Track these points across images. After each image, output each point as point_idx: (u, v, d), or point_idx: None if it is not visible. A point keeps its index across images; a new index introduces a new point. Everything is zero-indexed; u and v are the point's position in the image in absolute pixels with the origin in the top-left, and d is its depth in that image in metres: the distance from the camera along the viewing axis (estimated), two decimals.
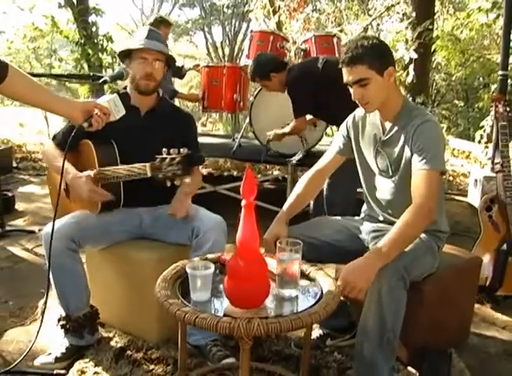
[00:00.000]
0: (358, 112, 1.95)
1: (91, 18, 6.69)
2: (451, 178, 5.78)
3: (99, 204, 1.97)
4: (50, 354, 1.95)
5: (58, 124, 6.34)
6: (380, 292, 1.57)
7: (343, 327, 2.08)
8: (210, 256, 1.67)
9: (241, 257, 1.28)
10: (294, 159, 3.63)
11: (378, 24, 9.35)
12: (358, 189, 2.24)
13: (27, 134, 8.13)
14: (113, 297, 2.14)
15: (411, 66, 5.31)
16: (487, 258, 2.54)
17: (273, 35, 3.92)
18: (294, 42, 6.16)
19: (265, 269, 1.33)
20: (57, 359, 1.92)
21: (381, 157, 1.86)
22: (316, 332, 2.09)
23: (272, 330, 1.22)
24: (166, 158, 1.69)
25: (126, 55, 2.06)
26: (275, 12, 7.28)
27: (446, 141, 5.87)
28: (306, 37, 4.05)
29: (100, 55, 6.64)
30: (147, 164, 1.75)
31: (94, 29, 6.66)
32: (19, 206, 4.20)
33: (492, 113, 3.61)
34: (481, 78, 8.64)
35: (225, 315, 1.28)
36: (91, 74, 2.03)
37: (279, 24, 7.37)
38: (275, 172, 5.64)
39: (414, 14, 5.52)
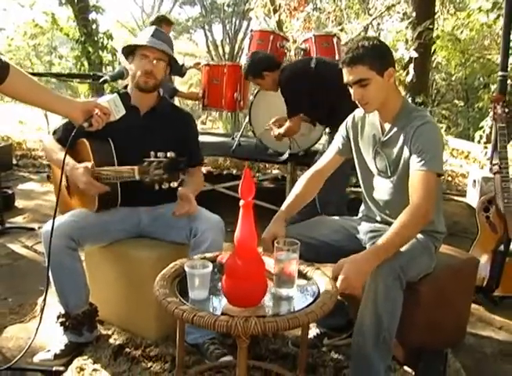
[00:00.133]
0: (358, 112, 1.96)
1: (92, 15, 6.67)
2: (450, 179, 5.78)
3: (96, 201, 1.98)
4: (49, 351, 1.96)
5: (57, 121, 6.32)
6: (376, 291, 1.58)
7: (340, 326, 2.09)
8: (208, 255, 1.68)
9: (239, 256, 1.29)
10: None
11: (378, 24, 9.36)
12: (358, 190, 2.25)
13: (27, 131, 8.12)
14: (112, 295, 2.15)
15: (411, 66, 5.30)
16: (484, 259, 2.54)
17: (273, 34, 3.91)
18: (295, 41, 6.15)
19: (263, 269, 1.34)
20: (56, 356, 1.93)
21: (380, 157, 1.86)
22: (313, 331, 2.10)
23: (270, 329, 1.23)
24: (153, 162, 1.68)
25: (130, 52, 2.08)
26: (275, 11, 7.26)
27: (445, 141, 5.87)
28: (306, 36, 4.05)
29: (100, 52, 6.62)
30: (135, 168, 1.74)
31: (94, 26, 6.64)
32: (19, 203, 4.20)
33: (491, 114, 3.61)
34: (481, 78, 8.63)
35: (222, 313, 1.29)
36: (92, 73, 2.04)
37: (279, 23, 7.35)
38: (275, 171, 5.65)
39: (414, 14, 5.51)
